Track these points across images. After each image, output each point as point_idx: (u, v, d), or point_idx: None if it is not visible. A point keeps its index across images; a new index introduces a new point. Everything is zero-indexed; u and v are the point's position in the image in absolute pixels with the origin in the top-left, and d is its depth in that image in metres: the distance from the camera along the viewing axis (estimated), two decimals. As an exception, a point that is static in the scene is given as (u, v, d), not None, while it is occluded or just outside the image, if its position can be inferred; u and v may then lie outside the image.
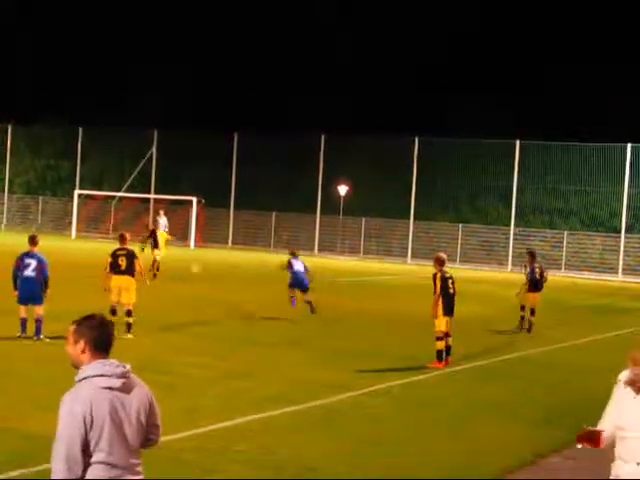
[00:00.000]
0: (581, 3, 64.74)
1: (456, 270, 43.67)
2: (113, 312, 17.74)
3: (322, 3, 72.30)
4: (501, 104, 57.86)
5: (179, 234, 57.51)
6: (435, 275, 16.85)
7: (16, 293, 16.98)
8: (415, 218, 54.22)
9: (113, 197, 61.98)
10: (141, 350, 15.14)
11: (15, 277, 16.93)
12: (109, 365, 5.09)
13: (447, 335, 16.88)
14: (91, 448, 4.96)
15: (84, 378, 5.07)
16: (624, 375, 6.26)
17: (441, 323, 16.72)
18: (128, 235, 19.08)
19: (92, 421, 4.95)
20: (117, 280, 18.20)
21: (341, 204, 55.43)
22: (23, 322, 16.88)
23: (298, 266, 24.54)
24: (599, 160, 50.66)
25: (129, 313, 17.83)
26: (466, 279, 37.36)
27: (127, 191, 61.45)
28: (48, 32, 76.76)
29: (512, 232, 51.92)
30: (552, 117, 57.04)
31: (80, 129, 63.45)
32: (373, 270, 43.52)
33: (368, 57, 69.30)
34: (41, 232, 58.92)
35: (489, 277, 44.29)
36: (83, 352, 5.17)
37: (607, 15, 63.36)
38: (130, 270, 18.24)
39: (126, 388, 5.12)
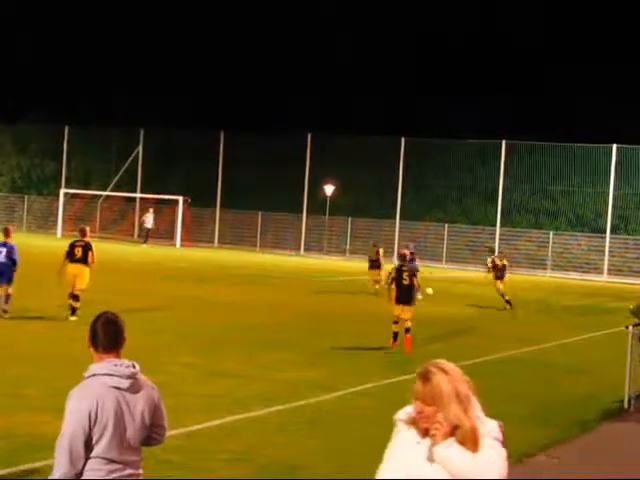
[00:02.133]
0: (566, 3, 64.97)
1: (442, 270, 43.98)
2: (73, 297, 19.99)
3: (312, 4, 72.32)
4: (488, 104, 57.97)
5: (165, 233, 57.60)
6: (393, 269, 19.64)
7: None
8: (401, 218, 54.32)
9: (99, 196, 61.88)
10: (129, 349, 15.10)
11: None
12: (119, 365, 5.18)
13: (402, 323, 18.81)
14: (92, 443, 5.05)
15: (92, 375, 5.13)
16: (403, 413, 4.62)
17: (394, 309, 18.92)
18: (88, 229, 21.33)
19: (97, 418, 5.04)
20: (72, 268, 20.21)
21: (327, 204, 55.44)
22: None
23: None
24: (585, 161, 50.86)
25: (76, 298, 19.91)
26: (452, 279, 37.53)
27: (113, 190, 61.39)
28: (35, 30, 76.57)
29: (498, 232, 52.08)
30: (538, 118, 57.18)
31: (66, 127, 63.34)
32: (359, 270, 43.50)
33: (356, 57, 69.35)
34: (27, 231, 58.89)
35: (475, 277, 44.35)
36: (90, 348, 5.25)
37: (594, 16, 63.56)
38: (84, 259, 20.21)
39: (133, 389, 5.21)
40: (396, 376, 15.56)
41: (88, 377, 5.17)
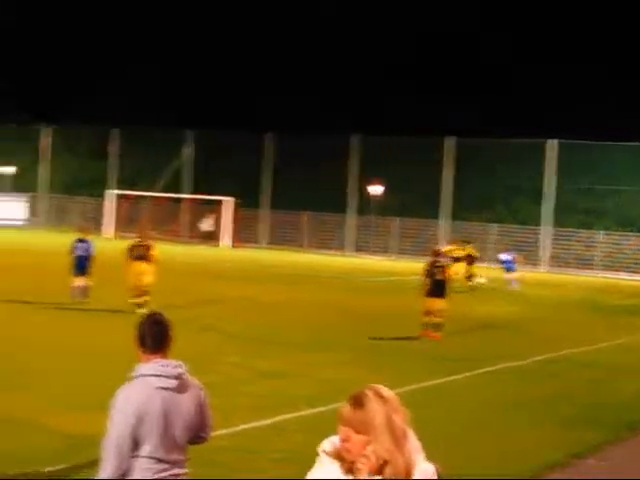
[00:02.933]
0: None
1: (489, 270, 43.63)
2: (135, 290, 21.91)
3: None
4: (535, 103, 57.53)
5: (213, 234, 57.83)
6: (427, 264, 20.59)
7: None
8: (449, 218, 54.08)
9: (147, 197, 62.26)
10: (177, 349, 15.15)
11: (72, 254, 22.88)
12: (166, 366, 5.20)
13: (435, 314, 20.02)
14: (140, 443, 5.06)
15: (140, 376, 5.16)
16: (329, 444, 4.02)
17: (425, 302, 20.15)
18: (147, 230, 24.32)
19: (143, 418, 5.05)
20: (136, 266, 22.06)
21: (375, 204, 55.32)
22: (76, 289, 22.52)
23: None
24: (635, 159, 50.31)
25: (145, 292, 21.70)
26: (500, 280, 37.23)
27: (162, 191, 61.75)
28: (86, 33, 77.24)
29: (547, 232, 51.64)
30: (589, 116, 56.59)
31: (116, 129, 63.88)
32: (406, 270, 43.38)
33: (396, 56, 69.08)
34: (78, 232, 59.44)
35: (522, 277, 43.99)
36: (137, 349, 5.28)
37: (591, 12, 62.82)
38: (144, 257, 22.12)
39: (180, 389, 5.23)
40: (444, 376, 15.51)
41: (135, 377, 5.20)
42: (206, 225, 56.90)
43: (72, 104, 69.76)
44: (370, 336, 19.93)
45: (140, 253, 22.18)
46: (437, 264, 20.32)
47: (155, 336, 5.28)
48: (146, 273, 22.00)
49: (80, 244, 23.15)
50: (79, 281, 22.70)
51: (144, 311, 19.97)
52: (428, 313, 20.12)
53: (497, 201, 55.90)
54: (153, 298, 21.26)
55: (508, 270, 37.61)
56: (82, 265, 22.76)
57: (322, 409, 12.36)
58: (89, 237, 23.79)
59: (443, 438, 11.24)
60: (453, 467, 9.96)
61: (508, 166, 53.44)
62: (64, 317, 20.16)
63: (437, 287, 20.09)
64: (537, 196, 53.02)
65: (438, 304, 20.05)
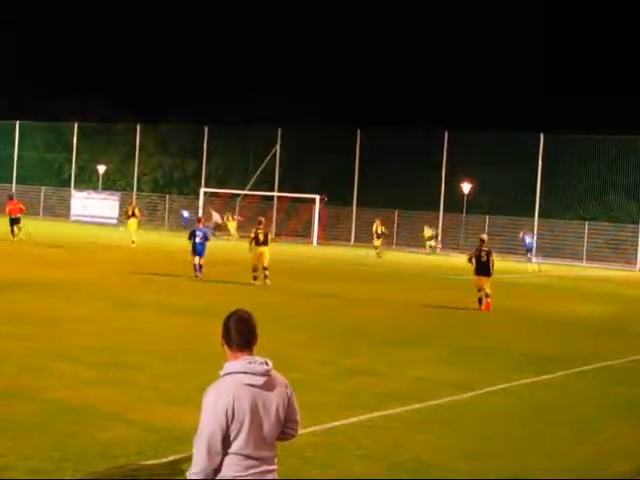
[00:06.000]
0: None
1: (582, 269, 43.07)
2: (255, 270, 27.54)
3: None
4: (626, 101, 56.51)
5: (302, 231, 58.03)
6: (475, 248, 25.51)
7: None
8: (540, 216, 53.35)
9: (238, 195, 62.82)
10: (267, 346, 15.15)
11: (191, 239, 28.65)
12: (254, 363, 5.21)
13: (483, 290, 24.48)
14: (230, 440, 5.10)
15: (228, 373, 5.18)
16: None
17: (474, 280, 25.05)
18: (264, 219, 29.27)
19: (233, 415, 5.09)
20: (257, 249, 27.56)
21: (464, 201, 54.90)
22: (196, 266, 28.12)
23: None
24: None
25: (265, 269, 27.21)
26: (592, 278, 36.69)
27: (251, 189, 62.23)
28: (176, 35, 78.23)
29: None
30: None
31: (206, 128, 64.57)
32: (496, 269, 42.92)
33: (486, 54, 68.52)
34: (169, 230, 60.24)
35: (616, 276, 43.25)
36: (223, 346, 5.29)
37: None
38: (265, 242, 27.66)
39: (268, 386, 5.24)
40: (537, 375, 15.28)
41: (224, 375, 5.22)
42: (216, 217, 57.42)
43: (166, 103, 70.79)
44: (459, 334, 19.78)
45: (261, 239, 27.54)
46: (482, 249, 24.88)
47: (241, 333, 5.28)
48: (266, 255, 27.41)
49: (199, 232, 28.76)
50: (197, 260, 28.12)
51: (268, 282, 26.92)
52: (478, 289, 24.67)
53: (590, 198, 55.00)
54: (240, 295, 21.33)
55: (529, 250, 45.38)
56: (200, 248, 28.25)
57: (410, 407, 12.27)
58: (201, 225, 29.62)
59: (538, 437, 11.04)
60: (548, 468, 9.79)
61: (602, 163, 52.55)
62: (175, 309, 20.32)
63: (482, 267, 24.63)
64: (634, 193, 51.96)
65: (484, 281, 24.55)
